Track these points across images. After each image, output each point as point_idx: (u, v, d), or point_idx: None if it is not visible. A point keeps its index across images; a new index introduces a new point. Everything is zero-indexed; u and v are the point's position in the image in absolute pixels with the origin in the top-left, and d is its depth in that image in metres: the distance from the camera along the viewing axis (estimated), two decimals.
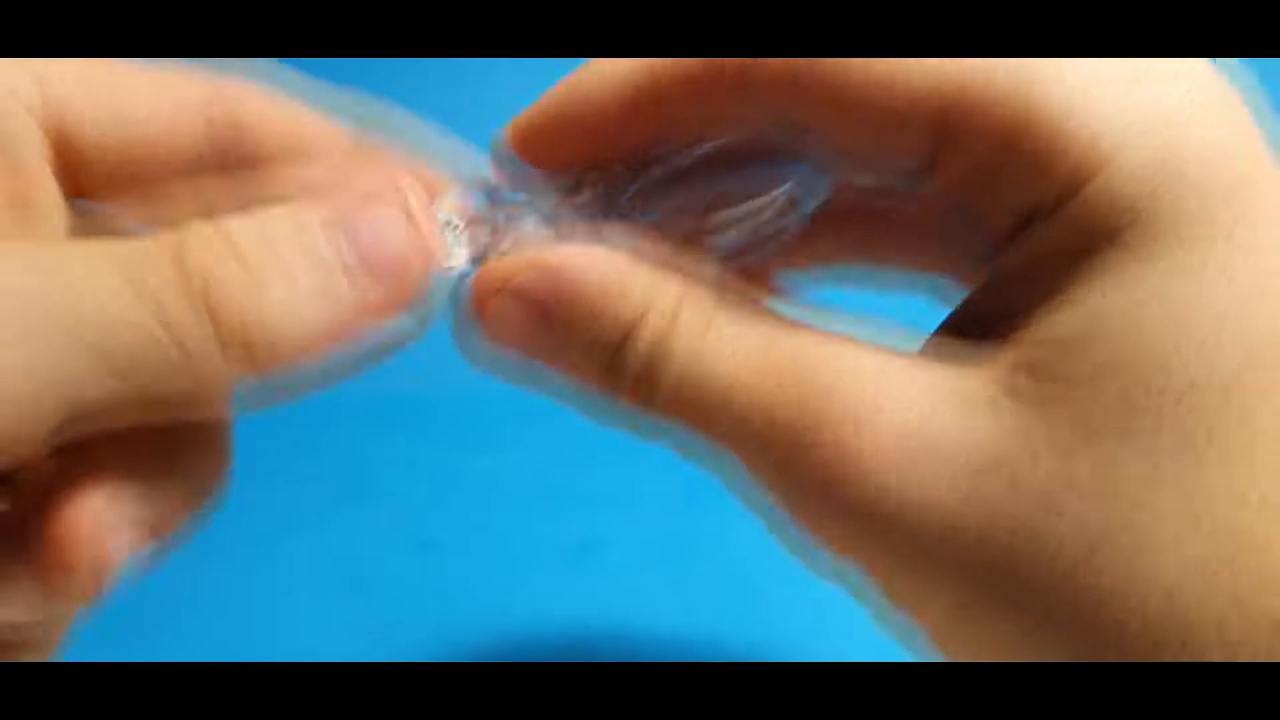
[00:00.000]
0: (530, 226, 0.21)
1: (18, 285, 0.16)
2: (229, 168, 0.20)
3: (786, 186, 0.21)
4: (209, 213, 0.18)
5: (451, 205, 0.20)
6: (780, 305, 0.20)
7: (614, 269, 0.19)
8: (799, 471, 0.18)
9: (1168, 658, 0.16)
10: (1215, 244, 0.16)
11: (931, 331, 0.20)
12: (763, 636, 0.41)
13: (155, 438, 0.18)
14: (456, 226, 0.20)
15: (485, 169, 0.21)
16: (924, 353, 0.19)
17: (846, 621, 0.42)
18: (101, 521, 0.18)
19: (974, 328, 0.19)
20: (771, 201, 0.21)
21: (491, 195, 0.21)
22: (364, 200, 0.18)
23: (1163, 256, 0.17)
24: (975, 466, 0.17)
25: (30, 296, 0.16)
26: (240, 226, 0.17)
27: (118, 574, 0.18)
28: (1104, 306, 0.17)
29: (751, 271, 0.21)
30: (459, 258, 0.20)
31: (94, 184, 0.20)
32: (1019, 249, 0.18)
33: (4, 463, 0.16)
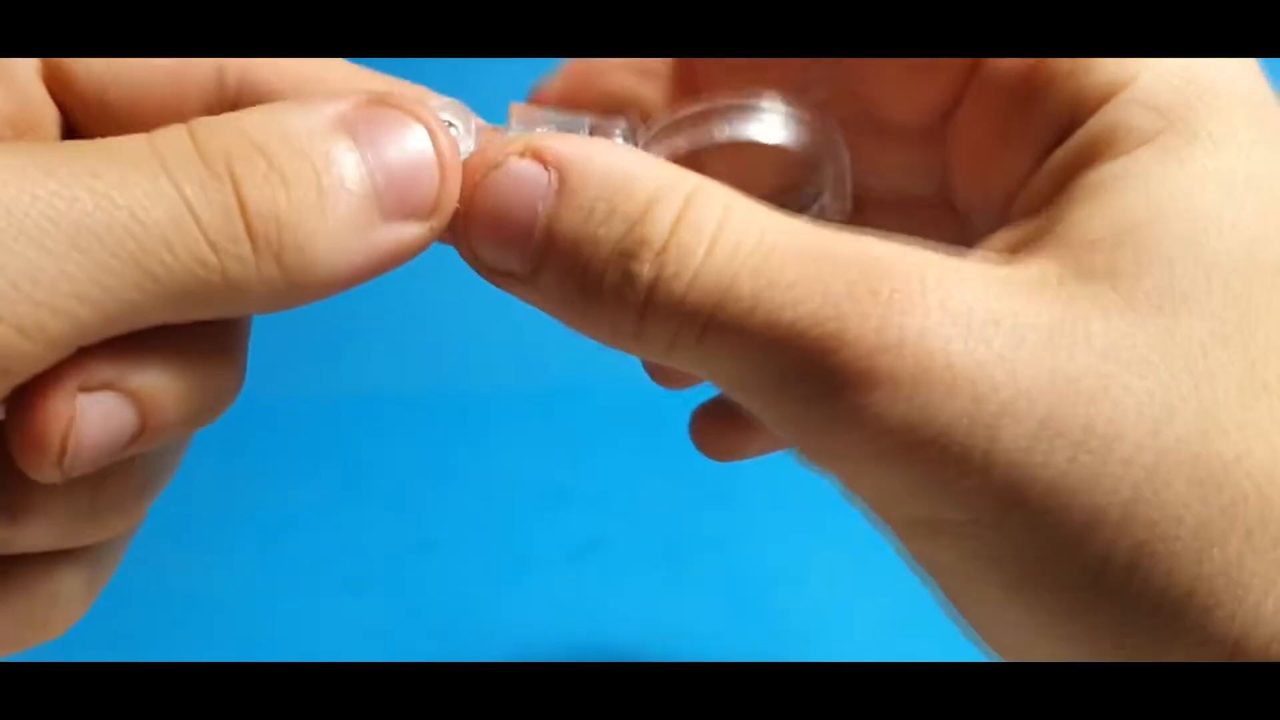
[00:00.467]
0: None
1: (39, 190, 0.15)
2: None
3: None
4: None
5: (458, 112, 0.19)
6: None
7: (625, 154, 0.18)
8: (856, 342, 0.16)
9: (1238, 522, 0.16)
10: (1250, 149, 0.18)
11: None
12: (762, 636, 0.41)
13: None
14: (467, 130, 0.19)
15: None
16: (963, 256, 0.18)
17: (846, 621, 0.42)
18: (65, 383, 0.17)
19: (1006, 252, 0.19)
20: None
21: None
22: (383, 112, 0.18)
23: (1200, 159, 0.17)
24: (1039, 338, 0.16)
25: (54, 199, 0.15)
26: (257, 123, 0.17)
27: (93, 447, 0.17)
28: (1148, 199, 0.17)
29: None
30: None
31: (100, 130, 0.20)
32: (1050, 166, 0.19)
33: (34, 368, 0.16)
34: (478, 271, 0.18)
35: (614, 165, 0.18)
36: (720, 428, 0.28)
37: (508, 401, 0.49)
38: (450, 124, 0.19)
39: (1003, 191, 0.20)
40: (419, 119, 0.18)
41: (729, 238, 0.17)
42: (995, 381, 0.16)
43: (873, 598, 0.41)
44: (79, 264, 0.15)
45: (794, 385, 0.17)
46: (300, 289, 0.17)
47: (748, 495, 0.45)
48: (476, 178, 0.18)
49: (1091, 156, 0.18)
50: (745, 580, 0.42)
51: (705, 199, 0.18)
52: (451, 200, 0.18)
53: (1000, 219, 0.19)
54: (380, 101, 0.18)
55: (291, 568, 0.42)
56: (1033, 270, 0.17)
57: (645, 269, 0.17)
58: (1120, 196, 0.17)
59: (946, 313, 0.16)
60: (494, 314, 0.54)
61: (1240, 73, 0.18)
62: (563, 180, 0.18)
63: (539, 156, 0.18)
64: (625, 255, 0.17)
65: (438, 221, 0.18)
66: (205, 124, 0.17)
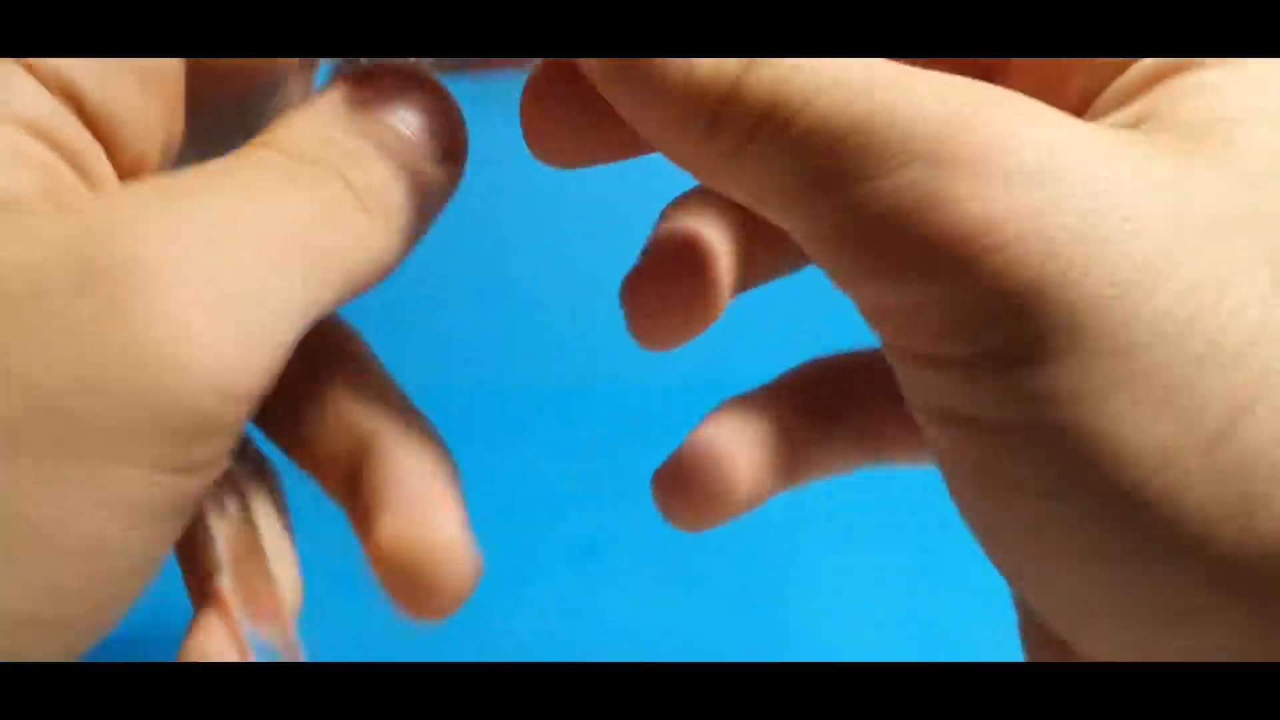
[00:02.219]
0: None
1: (228, 212, 0.16)
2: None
3: None
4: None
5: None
6: None
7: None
8: (970, 138, 0.16)
9: None
10: None
11: None
12: (762, 636, 0.41)
13: None
14: None
15: None
16: None
17: (846, 621, 0.42)
18: None
19: None
20: None
21: None
22: (378, 83, 0.19)
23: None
24: (1152, 180, 0.16)
25: (232, 226, 0.16)
26: (303, 127, 0.19)
27: None
28: (1246, 104, 0.17)
29: None
30: None
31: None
32: (1138, 70, 0.18)
33: (262, 390, 0.17)
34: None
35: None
36: (698, 488, 0.25)
37: (508, 402, 0.49)
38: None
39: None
40: (408, 72, 0.19)
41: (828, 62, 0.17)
42: (1116, 198, 0.15)
43: (873, 598, 0.41)
44: (285, 278, 0.17)
45: (887, 176, 0.16)
46: (408, 243, 0.19)
47: None
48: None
49: (1176, 68, 0.18)
50: (745, 580, 0.42)
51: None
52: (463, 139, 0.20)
53: None
54: (366, 77, 0.19)
55: None
56: (1146, 129, 0.17)
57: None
58: (1227, 89, 0.17)
59: (1073, 124, 0.16)
60: (495, 314, 0.54)
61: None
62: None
63: None
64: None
65: (464, 158, 0.20)
66: (273, 139, 0.18)
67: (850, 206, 0.16)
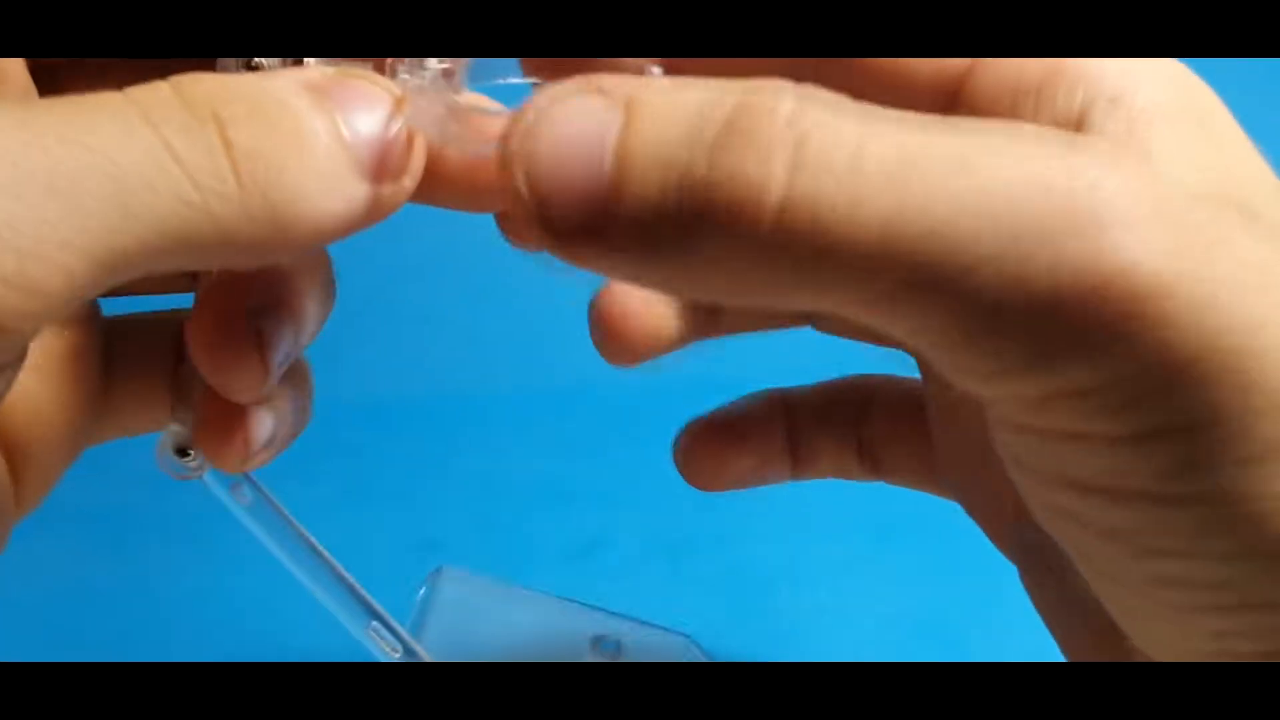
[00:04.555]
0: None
1: (9, 142, 0.15)
2: None
3: None
4: None
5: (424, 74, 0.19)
6: None
7: (692, 83, 0.16)
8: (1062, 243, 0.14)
9: None
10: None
11: None
12: (762, 636, 0.41)
13: None
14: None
15: None
16: None
17: (846, 621, 0.42)
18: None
19: None
20: None
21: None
22: (351, 83, 0.18)
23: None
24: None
25: (26, 149, 0.15)
26: (237, 80, 0.17)
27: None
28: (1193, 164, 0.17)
29: None
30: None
31: None
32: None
33: (29, 323, 0.16)
34: (545, 241, 0.16)
35: (685, 91, 0.16)
36: (715, 452, 0.28)
37: (509, 401, 0.49)
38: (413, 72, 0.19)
39: None
40: (384, 88, 0.18)
41: (878, 123, 0.15)
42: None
43: (872, 598, 0.41)
44: (57, 210, 0.15)
45: (1045, 253, 0.14)
46: (286, 232, 0.17)
47: (748, 495, 0.45)
48: (529, 127, 0.16)
49: (1136, 125, 0.18)
50: (745, 580, 0.42)
51: (811, 91, 0.15)
52: (420, 160, 0.19)
53: None
54: (346, 74, 0.18)
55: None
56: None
57: (776, 165, 0.14)
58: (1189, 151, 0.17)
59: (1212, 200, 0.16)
60: (496, 313, 0.54)
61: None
62: (630, 108, 0.15)
63: (600, 90, 0.16)
64: (739, 133, 0.15)
65: (410, 182, 0.18)
66: (187, 77, 0.17)
67: (959, 302, 0.15)
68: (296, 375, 0.25)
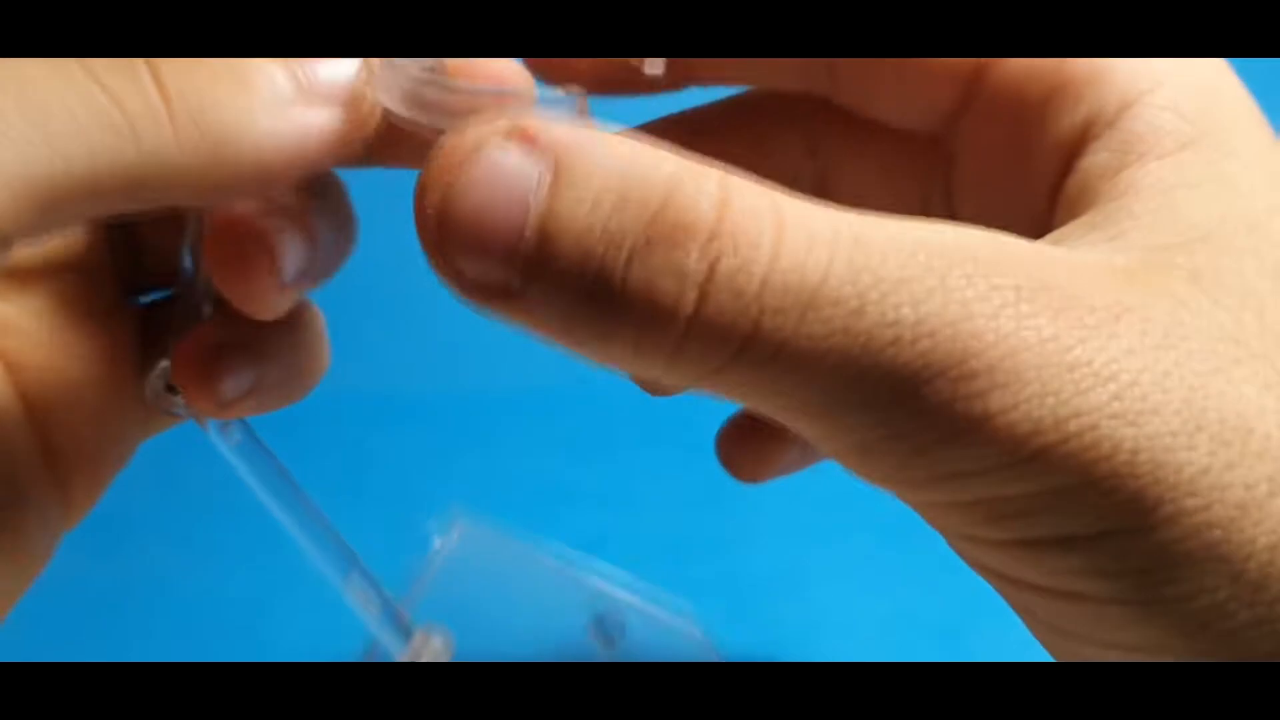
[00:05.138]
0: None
1: None
2: None
3: None
4: None
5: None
6: None
7: (626, 141, 0.15)
8: (990, 340, 0.15)
9: None
10: (1266, 157, 0.18)
11: None
12: (762, 636, 0.41)
13: None
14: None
15: None
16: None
17: (846, 621, 0.42)
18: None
19: None
20: None
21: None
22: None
23: (1238, 171, 0.18)
24: (1158, 332, 0.16)
25: None
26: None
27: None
28: (1208, 211, 0.17)
29: None
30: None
31: None
32: (1089, 168, 0.18)
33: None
34: (456, 290, 0.16)
35: (611, 158, 0.15)
36: (756, 447, 0.28)
37: (510, 401, 0.49)
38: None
39: (1021, 192, 0.20)
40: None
41: (799, 225, 0.15)
42: (1133, 375, 0.15)
43: (873, 598, 0.41)
44: None
45: (906, 400, 0.15)
46: (224, 161, 0.16)
47: (749, 495, 0.45)
48: (449, 173, 0.15)
49: (1131, 158, 0.18)
50: (745, 580, 0.42)
51: (744, 184, 0.15)
52: (364, 96, 0.17)
53: (1008, 222, 0.19)
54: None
55: (292, 567, 0.42)
56: (1124, 263, 0.17)
57: (692, 260, 0.14)
58: (1183, 203, 0.17)
59: (1074, 306, 0.15)
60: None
61: (1230, 76, 0.19)
62: (558, 170, 0.15)
63: (527, 138, 0.15)
64: (658, 244, 0.14)
65: (353, 113, 0.17)
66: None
67: (846, 432, 0.16)
68: (298, 325, 0.23)
